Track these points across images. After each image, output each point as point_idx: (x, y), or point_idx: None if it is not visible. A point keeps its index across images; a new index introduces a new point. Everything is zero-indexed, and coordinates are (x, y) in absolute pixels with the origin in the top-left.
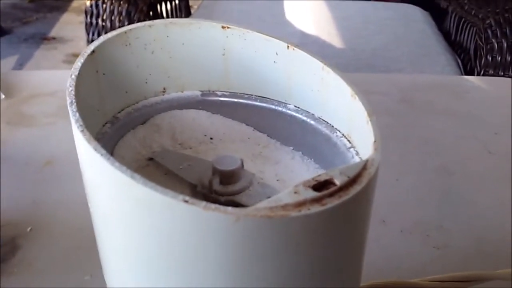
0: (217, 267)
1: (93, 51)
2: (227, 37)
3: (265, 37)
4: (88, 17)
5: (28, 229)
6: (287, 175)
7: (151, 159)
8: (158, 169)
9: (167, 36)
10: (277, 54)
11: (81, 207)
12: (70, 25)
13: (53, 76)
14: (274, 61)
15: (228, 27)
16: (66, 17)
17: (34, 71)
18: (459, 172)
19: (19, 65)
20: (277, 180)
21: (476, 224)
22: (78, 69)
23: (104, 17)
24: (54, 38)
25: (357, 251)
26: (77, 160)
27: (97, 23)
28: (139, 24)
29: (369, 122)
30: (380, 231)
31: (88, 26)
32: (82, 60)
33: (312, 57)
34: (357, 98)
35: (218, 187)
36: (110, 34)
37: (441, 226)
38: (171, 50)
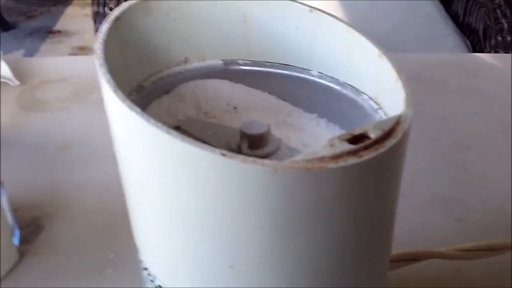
0: (256, 221)
1: (118, 17)
2: (247, 3)
3: (286, 2)
4: (95, 6)
5: (52, 210)
6: (313, 141)
7: (177, 127)
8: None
9: (188, 5)
10: (299, 19)
11: (100, 189)
12: (75, 18)
13: (64, 62)
14: (296, 27)
15: None
16: (71, 10)
17: (46, 58)
18: (475, 147)
19: None
20: (304, 145)
21: (495, 197)
22: (104, 33)
23: (111, 6)
24: (59, 32)
25: (391, 206)
26: (93, 143)
27: (104, 12)
28: None
29: (399, 81)
30: (400, 205)
31: (96, 15)
32: (107, 26)
33: (336, 20)
34: (384, 58)
35: (247, 151)
36: (133, 1)
37: (460, 199)
38: (192, 18)
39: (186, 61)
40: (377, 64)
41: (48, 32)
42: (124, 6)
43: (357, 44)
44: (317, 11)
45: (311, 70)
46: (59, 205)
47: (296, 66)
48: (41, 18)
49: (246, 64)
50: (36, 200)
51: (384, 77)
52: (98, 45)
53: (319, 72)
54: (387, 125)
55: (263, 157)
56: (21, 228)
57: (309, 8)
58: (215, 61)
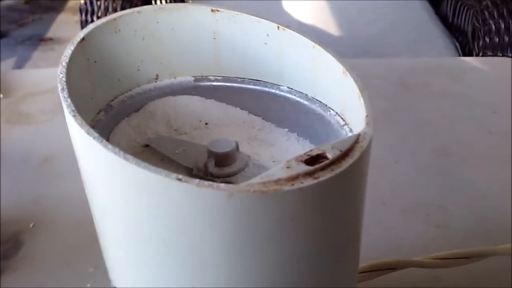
0: (213, 244)
1: (83, 39)
2: (217, 20)
3: (255, 19)
4: (83, 15)
5: (31, 225)
6: (283, 157)
7: (146, 145)
8: (154, 155)
9: (157, 22)
10: (267, 35)
11: (81, 202)
12: (67, 25)
13: (49, 74)
14: (265, 43)
15: (217, 10)
16: (62, 17)
17: (31, 70)
18: (459, 153)
19: (17, 68)
20: (273, 161)
21: (476, 203)
22: (68, 57)
23: (99, 14)
24: (51, 39)
25: (353, 225)
26: (74, 156)
27: (92, 20)
28: (128, 10)
29: (361, 98)
30: (381, 213)
31: (84, 24)
32: (72, 48)
33: (302, 36)
34: (348, 75)
35: (213, 169)
36: (99, 22)
37: (441, 206)
38: (161, 36)
39: (156, 78)
40: (342, 80)
41: (40, 39)
42: (90, 27)
43: (323, 61)
44: (285, 28)
45: (281, 85)
46: (39, 220)
47: (266, 81)
48: (33, 26)
49: (217, 80)
50: (17, 215)
51: (348, 94)
52: (60, 69)
53: (289, 87)
54: (345, 145)
55: (229, 175)
56: (0, 244)
57: (277, 25)
58: (186, 78)
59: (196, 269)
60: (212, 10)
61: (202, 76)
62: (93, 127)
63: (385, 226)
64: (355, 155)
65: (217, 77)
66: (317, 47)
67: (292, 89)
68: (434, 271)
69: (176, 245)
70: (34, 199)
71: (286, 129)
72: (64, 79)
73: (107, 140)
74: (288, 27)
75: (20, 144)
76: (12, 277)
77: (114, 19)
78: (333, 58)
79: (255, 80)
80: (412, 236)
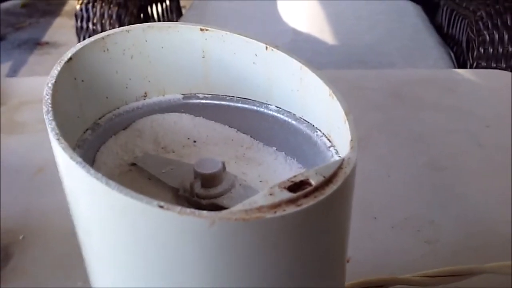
0: (195, 271)
1: (70, 58)
2: (206, 39)
3: (244, 39)
4: (79, 21)
5: (21, 237)
6: (270, 176)
7: (134, 164)
8: (141, 174)
9: (146, 41)
10: (256, 55)
11: (69, 214)
12: (63, 29)
13: (44, 82)
14: (254, 62)
15: (206, 29)
16: (59, 21)
17: (24, 78)
18: (450, 167)
19: (13, 72)
20: (260, 181)
21: (467, 219)
22: (54, 77)
23: (95, 21)
24: (47, 43)
25: (337, 250)
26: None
27: (87, 27)
28: (117, 29)
29: (346, 122)
30: (372, 227)
31: (79, 30)
32: (58, 68)
33: (290, 57)
34: (334, 97)
35: (199, 190)
36: (87, 41)
37: (432, 221)
38: (150, 54)
39: (145, 96)
40: (328, 102)
41: (36, 43)
42: (77, 46)
43: (310, 82)
44: (273, 48)
45: (269, 104)
46: (31, 231)
47: (255, 100)
48: (29, 30)
49: (206, 98)
50: (7, 226)
51: (335, 116)
52: (46, 90)
53: (277, 107)
54: (328, 171)
55: (215, 196)
56: None
57: (265, 45)
58: (175, 95)
59: None
60: (201, 29)
61: (191, 94)
62: (79, 146)
63: (375, 241)
64: (339, 181)
65: (206, 95)
66: (304, 68)
67: (280, 108)
68: None
69: (157, 268)
70: (25, 211)
71: (274, 148)
72: (49, 100)
73: (94, 159)
74: (276, 47)
75: (15, 154)
76: None
77: (103, 38)
78: (320, 80)
79: (243, 98)
80: (402, 251)
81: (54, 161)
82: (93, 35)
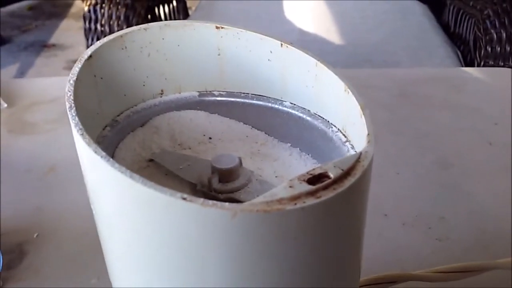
0: (217, 263)
1: (90, 56)
2: (221, 37)
3: (259, 36)
4: (87, 22)
5: (35, 235)
6: (286, 171)
7: (151, 160)
8: (158, 170)
9: (163, 39)
10: (271, 52)
11: (85, 212)
12: (69, 32)
13: (53, 83)
14: (269, 59)
15: (222, 27)
16: (65, 23)
17: (34, 79)
18: (459, 164)
19: (20, 74)
20: (276, 176)
21: (477, 216)
22: (76, 75)
23: (103, 22)
24: (54, 45)
25: (354, 243)
26: (79, 165)
27: (95, 28)
28: (135, 27)
29: (363, 116)
30: (383, 225)
31: (87, 32)
32: (79, 65)
33: (305, 54)
34: (350, 92)
35: (217, 185)
36: (106, 39)
37: (443, 218)
38: (167, 52)
39: (161, 93)
40: (344, 98)
41: (43, 46)
42: (97, 44)
43: (325, 78)
44: (288, 45)
45: (284, 101)
46: (44, 230)
47: (270, 97)
48: (36, 32)
49: (221, 95)
50: (21, 225)
51: (350, 111)
52: (68, 87)
53: (292, 103)
54: (347, 164)
55: (233, 191)
56: (4, 254)
57: (280, 42)
58: (191, 93)
59: (198, 284)
60: (217, 27)
61: (206, 91)
62: (99, 142)
63: (386, 238)
64: (357, 174)
65: (221, 92)
66: (320, 64)
67: (295, 105)
68: (435, 285)
69: (179, 261)
70: (38, 209)
71: (289, 144)
72: (72, 97)
73: (113, 155)
74: (291, 44)
75: (25, 154)
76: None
77: (121, 36)
78: (335, 75)
79: (258, 95)
80: (413, 248)
81: (65, 160)
82: (101, 36)
